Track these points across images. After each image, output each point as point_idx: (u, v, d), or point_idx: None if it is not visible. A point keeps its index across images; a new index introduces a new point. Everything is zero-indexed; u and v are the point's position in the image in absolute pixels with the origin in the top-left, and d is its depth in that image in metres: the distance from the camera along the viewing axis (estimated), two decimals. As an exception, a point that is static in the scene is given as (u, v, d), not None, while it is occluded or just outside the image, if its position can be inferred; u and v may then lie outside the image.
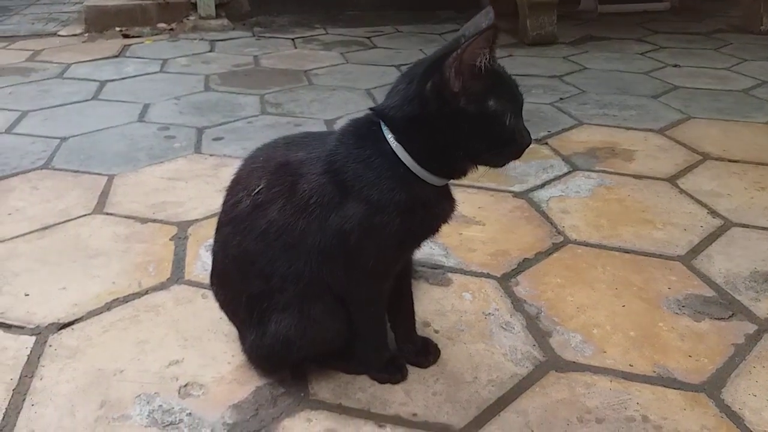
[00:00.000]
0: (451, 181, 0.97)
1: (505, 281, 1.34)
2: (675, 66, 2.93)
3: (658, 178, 1.80)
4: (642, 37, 3.50)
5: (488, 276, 1.35)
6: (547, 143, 2.06)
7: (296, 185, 0.90)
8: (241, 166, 1.00)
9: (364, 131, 0.92)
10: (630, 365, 1.11)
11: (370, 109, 0.94)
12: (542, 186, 1.76)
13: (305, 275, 0.93)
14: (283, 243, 0.92)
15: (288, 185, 0.91)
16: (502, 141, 0.89)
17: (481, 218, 1.59)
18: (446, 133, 0.88)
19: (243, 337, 1.05)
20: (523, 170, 1.85)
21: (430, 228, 0.96)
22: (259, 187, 0.92)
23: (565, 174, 1.84)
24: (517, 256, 1.43)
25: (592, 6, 3.98)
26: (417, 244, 0.98)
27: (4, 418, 0.98)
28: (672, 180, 1.79)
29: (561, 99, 2.49)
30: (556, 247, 1.46)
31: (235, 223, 0.96)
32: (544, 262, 1.41)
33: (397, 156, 0.89)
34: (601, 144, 2.05)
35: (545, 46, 3.29)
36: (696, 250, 1.45)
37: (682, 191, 1.72)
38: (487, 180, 1.78)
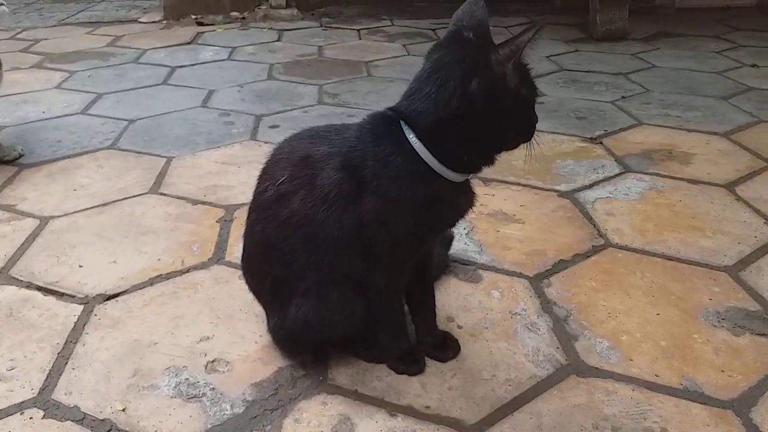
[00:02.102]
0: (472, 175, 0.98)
1: (537, 281, 1.32)
2: (753, 66, 2.77)
3: (714, 184, 1.72)
4: (720, 35, 3.31)
5: (520, 275, 1.34)
6: (601, 143, 2.00)
7: (316, 178, 0.93)
8: (270, 155, 1.04)
9: (382, 130, 0.93)
10: (656, 375, 1.08)
11: (391, 110, 0.94)
12: (590, 186, 1.72)
13: (324, 264, 0.96)
14: (303, 233, 0.95)
15: (309, 178, 0.94)
16: (528, 126, 0.94)
17: (521, 216, 1.57)
18: (483, 129, 0.89)
19: (268, 319, 1.09)
20: (572, 169, 1.82)
21: (447, 222, 0.97)
22: (283, 178, 0.96)
23: (616, 175, 1.78)
24: (553, 256, 1.41)
25: (670, 1, 3.80)
26: (433, 238, 1.00)
27: (47, 378, 1.07)
28: (730, 186, 1.70)
29: (623, 97, 2.41)
30: (595, 250, 1.43)
31: (260, 210, 1.00)
32: (581, 264, 1.38)
33: (418, 155, 0.91)
34: (659, 146, 1.97)
35: (614, 42, 3.17)
36: (746, 262, 1.38)
37: (739, 198, 1.64)
38: (533, 178, 1.76)
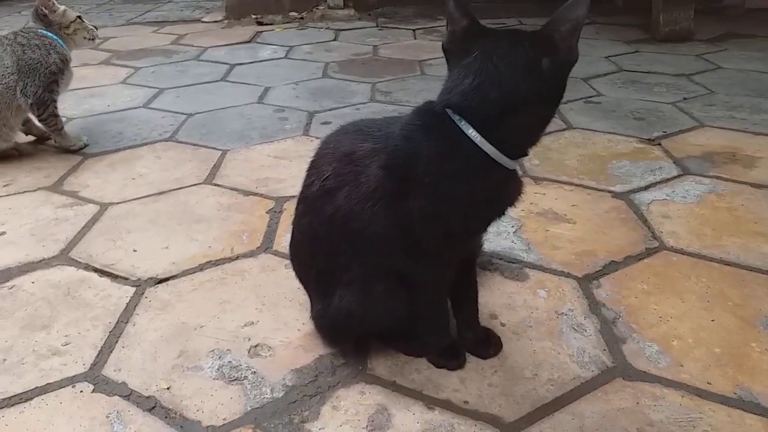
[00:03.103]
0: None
1: (586, 282, 1.29)
2: (829, 68, 2.63)
3: (781, 189, 1.64)
4: (794, 36, 3.16)
5: (568, 275, 1.31)
6: (660, 144, 1.93)
7: (360, 175, 0.92)
8: (318, 149, 1.04)
9: (433, 125, 0.91)
10: (708, 383, 1.03)
11: (440, 105, 0.92)
12: (646, 188, 1.66)
13: (369, 258, 0.96)
14: (349, 229, 0.94)
15: (353, 174, 0.93)
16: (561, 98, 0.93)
17: (572, 216, 1.53)
18: (546, 107, 0.90)
19: (312, 306, 1.10)
20: (628, 170, 1.76)
21: (498, 212, 0.95)
22: (327, 174, 0.96)
23: (674, 177, 1.72)
24: (603, 257, 1.37)
25: (739, 1, 3.64)
26: (485, 229, 0.99)
27: (98, 355, 1.11)
28: (798, 192, 1.62)
29: (684, 99, 2.32)
30: (648, 253, 1.38)
31: (306, 203, 1.01)
32: (633, 266, 1.34)
33: (477, 148, 0.88)
34: (721, 148, 1.89)
35: (678, 43, 3.06)
36: (812, 270, 1.31)
37: (807, 205, 1.56)
38: (587, 178, 1.71)
